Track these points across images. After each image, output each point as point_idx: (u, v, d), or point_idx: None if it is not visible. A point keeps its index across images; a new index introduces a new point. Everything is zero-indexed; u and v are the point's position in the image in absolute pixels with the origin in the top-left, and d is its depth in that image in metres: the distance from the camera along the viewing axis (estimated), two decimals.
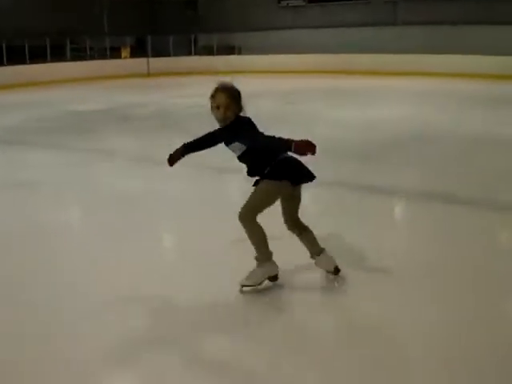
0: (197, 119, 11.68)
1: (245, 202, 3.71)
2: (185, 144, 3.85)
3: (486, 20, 22.09)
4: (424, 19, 23.78)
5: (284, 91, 18.09)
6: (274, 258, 3.79)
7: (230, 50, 27.13)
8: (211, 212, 5.53)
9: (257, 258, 3.77)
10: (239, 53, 27.41)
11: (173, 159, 3.83)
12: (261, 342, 3.25)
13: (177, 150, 3.82)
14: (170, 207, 5.82)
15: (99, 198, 6.22)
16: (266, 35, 26.83)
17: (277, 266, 3.82)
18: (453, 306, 3.59)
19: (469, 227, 5.09)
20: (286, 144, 3.42)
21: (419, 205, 5.94)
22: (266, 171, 3.68)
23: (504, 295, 3.85)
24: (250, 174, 3.81)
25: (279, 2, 27.72)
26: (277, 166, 3.66)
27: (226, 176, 7.13)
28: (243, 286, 3.79)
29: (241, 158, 3.80)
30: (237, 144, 3.71)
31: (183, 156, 3.84)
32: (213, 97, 3.70)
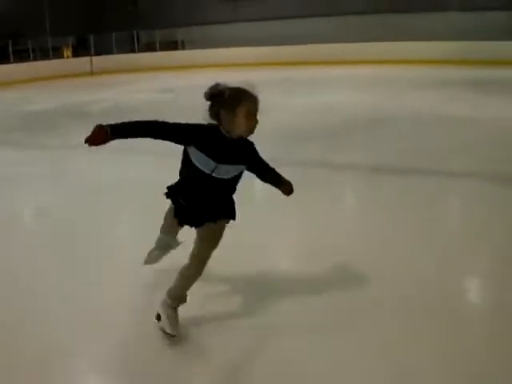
0: (154, 113, 12.09)
1: (206, 243, 3.13)
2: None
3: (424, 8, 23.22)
4: (363, 9, 24.72)
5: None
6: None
7: (173, 45, 27.38)
8: None
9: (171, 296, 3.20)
10: (183, 48, 27.70)
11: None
12: None
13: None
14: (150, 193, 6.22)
15: (82, 187, 6.55)
16: (209, 29, 27.20)
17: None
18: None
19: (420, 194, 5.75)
20: (282, 182, 3.28)
21: (380, 178, 6.53)
22: (232, 209, 3.22)
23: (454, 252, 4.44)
24: (210, 207, 3.13)
25: None
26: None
27: None
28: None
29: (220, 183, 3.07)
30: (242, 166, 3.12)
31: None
32: (256, 105, 3.08)
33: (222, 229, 3.16)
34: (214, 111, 3.01)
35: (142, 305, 3.57)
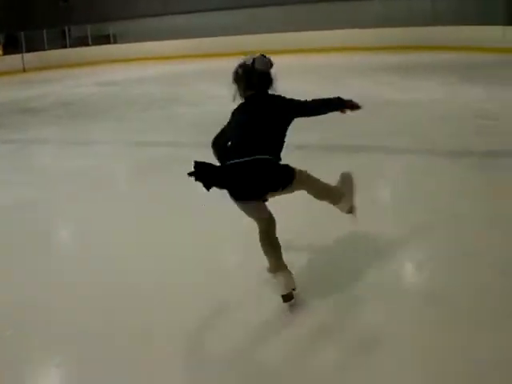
0: (102, 105, 12.45)
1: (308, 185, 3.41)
2: None
3: None
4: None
5: (169, 75, 19.08)
6: None
7: (105, 39, 27.38)
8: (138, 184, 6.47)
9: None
10: (115, 41, 27.73)
11: None
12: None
13: None
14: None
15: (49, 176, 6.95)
16: (140, 22, 27.36)
17: None
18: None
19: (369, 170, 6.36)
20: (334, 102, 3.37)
21: (329, 155, 7.19)
22: None
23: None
24: None
25: None
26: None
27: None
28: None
29: None
30: None
31: None
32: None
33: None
34: None
35: None
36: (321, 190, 3.41)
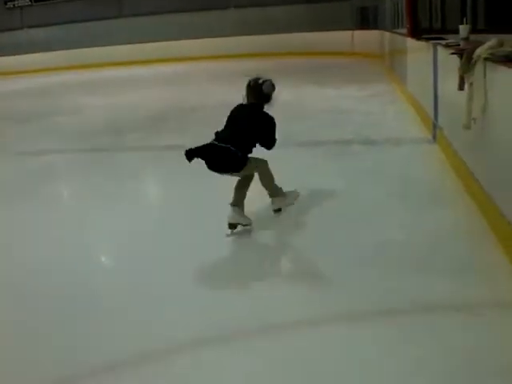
0: None
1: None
2: None
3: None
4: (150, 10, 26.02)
5: (37, 88, 19.05)
6: None
7: None
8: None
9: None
10: None
11: None
12: None
13: None
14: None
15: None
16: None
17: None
18: None
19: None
20: None
21: None
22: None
23: None
24: None
25: (6, 4, 27.76)
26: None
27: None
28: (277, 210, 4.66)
29: None
30: None
31: None
32: None
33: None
34: None
35: None
36: (265, 180, 4.52)
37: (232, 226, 4.34)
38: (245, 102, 4.44)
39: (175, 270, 3.82)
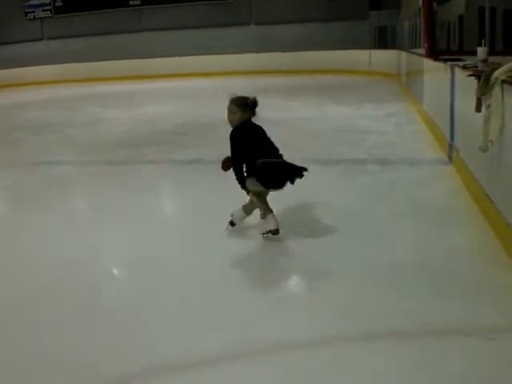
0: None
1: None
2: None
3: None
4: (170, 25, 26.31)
5: (54, 99, 19.26)
6: None
7: None
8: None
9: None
10: None
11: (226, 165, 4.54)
12: None
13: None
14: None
15: None
16: (15, 48, 27.11)
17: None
18: None
19: None
20: None
21: None
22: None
23: None
24: None
25: (26, 15, 28.13)
26: None
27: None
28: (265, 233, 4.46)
29: None
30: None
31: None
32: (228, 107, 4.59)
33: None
34: None
35: None
36: (257, 204, 4.51)
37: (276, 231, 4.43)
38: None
39: (190, 283, 3.82)
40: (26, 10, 28.17)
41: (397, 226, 4.83)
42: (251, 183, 4.42)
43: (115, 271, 4.43)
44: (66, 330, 3.27)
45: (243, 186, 4.49)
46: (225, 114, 4.59)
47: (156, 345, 3.06)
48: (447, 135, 6.91)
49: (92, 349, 3.05)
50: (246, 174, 4.47)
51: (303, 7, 24.35)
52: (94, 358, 2.96)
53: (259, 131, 4.56)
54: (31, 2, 28.00)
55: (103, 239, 4.88)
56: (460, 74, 5.95)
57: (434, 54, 9.45)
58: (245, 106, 4.50)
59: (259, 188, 4.41)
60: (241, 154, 4.44)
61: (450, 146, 6.68)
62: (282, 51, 23.42)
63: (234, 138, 4.47)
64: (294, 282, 4.12)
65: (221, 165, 4.56)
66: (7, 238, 5.08)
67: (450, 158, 6.69)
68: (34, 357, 2.99)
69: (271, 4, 25.13)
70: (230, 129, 4.57)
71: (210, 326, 3.24)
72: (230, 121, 4.53)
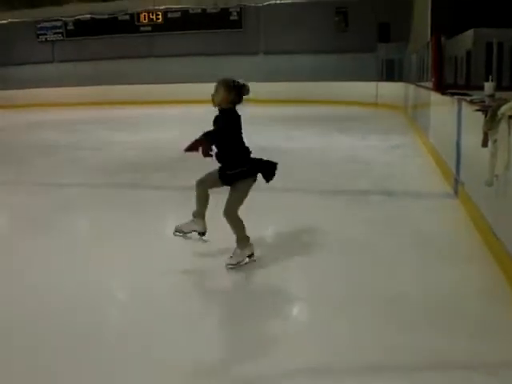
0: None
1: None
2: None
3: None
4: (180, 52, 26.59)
5: (63, 121, 19.41)
6: None
7: None
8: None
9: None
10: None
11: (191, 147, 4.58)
12: None
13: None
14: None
15: None
16: (25, 69, 27.43)
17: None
18: None
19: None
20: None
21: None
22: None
23: None
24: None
25: (38, 37, 28.50)
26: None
27: None
28: (229, 265, 4.37)
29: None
30: None
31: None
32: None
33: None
34: None
35: None
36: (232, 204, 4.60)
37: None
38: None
39: (198, 309, 3.83)
40: (38, 33, 28.53)
41: (399, 258, 4.81)
42: (245, 183, 4.58)
43: (123, 295, 4.41)
44: (66, 354, 3.26)
45: (228, 169, 4.70)
46: None
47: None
48: (453, 169, 6.92)
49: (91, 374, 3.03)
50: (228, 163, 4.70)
51: (312, 38, 24.58)
52: None
53: (240, 120, 4.67)
54: (43, 25, 28.37)
55: (104, 264, 4.84)
56: (467, 109, 5.98)
57: (442, 87, 9.50)
58: (231, 88, 4.55)
59: (247, 189, 4.54)
60: (230, 136, 4.65)
61: (456, 180, 6.68)
62: (289, 81, 23.56)
63: (226, 118, 4.67)
64: (295, 310, 4.10)
65: (187, 147, 4.65)
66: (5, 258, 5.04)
67: (455, 191, 6.69)
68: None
69: (280, 34, 25.37)
70: None
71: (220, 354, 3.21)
72: (214, 100, 4.65)
